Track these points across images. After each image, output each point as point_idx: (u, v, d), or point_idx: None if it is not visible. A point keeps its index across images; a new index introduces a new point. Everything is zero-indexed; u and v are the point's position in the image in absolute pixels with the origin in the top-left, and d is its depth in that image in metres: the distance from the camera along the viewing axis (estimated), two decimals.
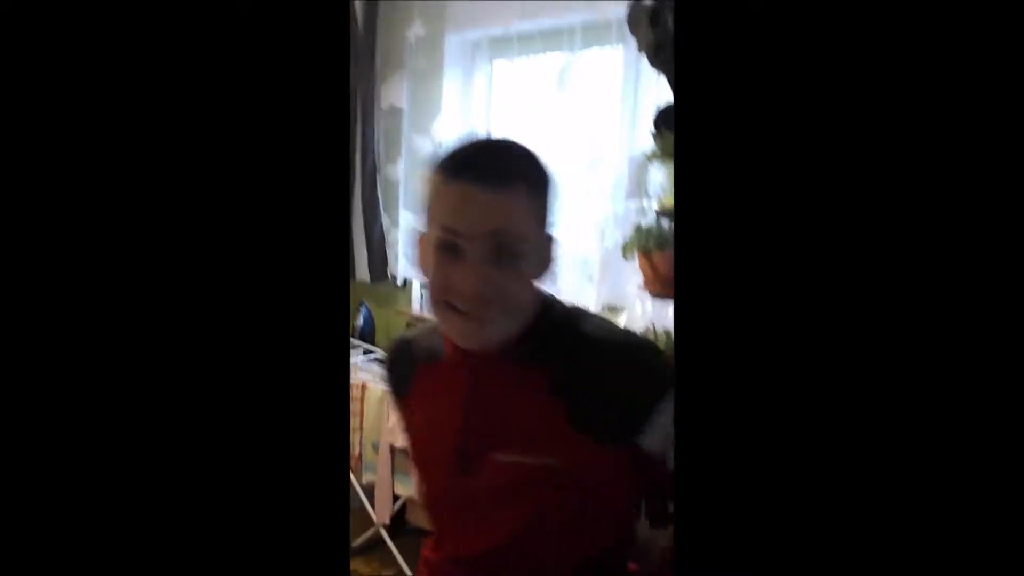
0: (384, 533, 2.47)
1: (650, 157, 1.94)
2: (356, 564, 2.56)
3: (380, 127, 3.12)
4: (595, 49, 2.63)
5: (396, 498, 2.44)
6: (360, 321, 3.26)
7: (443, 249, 0.80)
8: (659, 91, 2.20)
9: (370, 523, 2.51)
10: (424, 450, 0.98)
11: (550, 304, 0.90)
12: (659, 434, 0.82)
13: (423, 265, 0.86)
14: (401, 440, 2.35)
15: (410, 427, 1.01)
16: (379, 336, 3.27)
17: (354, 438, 2.49)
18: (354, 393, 2.47)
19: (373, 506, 2.48)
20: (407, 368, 0.98)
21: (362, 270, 3.25)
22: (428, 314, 3.00)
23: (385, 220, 3.17)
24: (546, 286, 0.89)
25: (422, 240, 0.86)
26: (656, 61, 1.85)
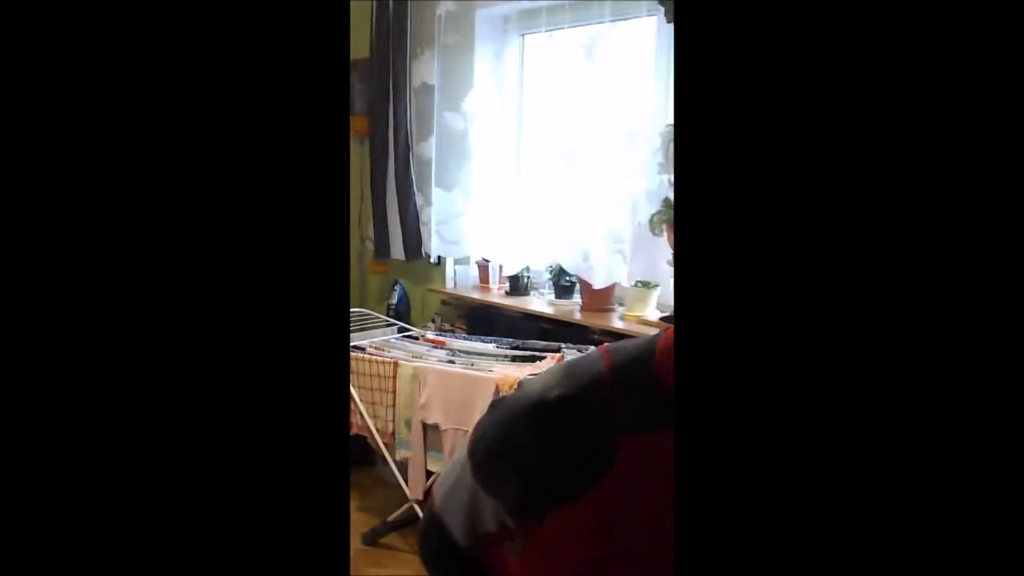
0: (418, 509, 2.50)
1: None
2: (392, 539, 2.60)
3: (412, 105, 3.12)
4: (626, 21, 2.58)
5: (429, 474, 2.46)
6: (395, 300, 3.28)
7: None
8: None
9: (405, 499, 2.54)
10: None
11: None
12: None
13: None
14: (433, 417, 2.36)
15: (592, 539, 0.63)
16: (414, 314, 3.29)
17: (387, 415, 2.51)
18: (387, 371, 2.49)
19: (408, 483, 2.51)
20: (592, 448, 0.62)
21: (397, 249, 3.27)
22: (461, 291, 3.03)
23: (419, 198, 3.18)
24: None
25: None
26: None
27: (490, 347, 2.59)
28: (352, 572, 2.38)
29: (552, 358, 2.41)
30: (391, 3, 3.08)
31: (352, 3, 3.22)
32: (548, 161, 2.91)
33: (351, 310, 3.10)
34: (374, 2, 3.13)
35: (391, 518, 2.62)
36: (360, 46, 3.25)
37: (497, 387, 2.20)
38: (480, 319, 2.96)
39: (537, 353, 2.47)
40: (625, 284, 2.62)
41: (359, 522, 2.69)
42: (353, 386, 2.56)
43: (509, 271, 2.95)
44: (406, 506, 2.57)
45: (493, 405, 0.70)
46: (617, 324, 2.51)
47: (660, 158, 2.39)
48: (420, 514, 2.49)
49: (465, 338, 2.75)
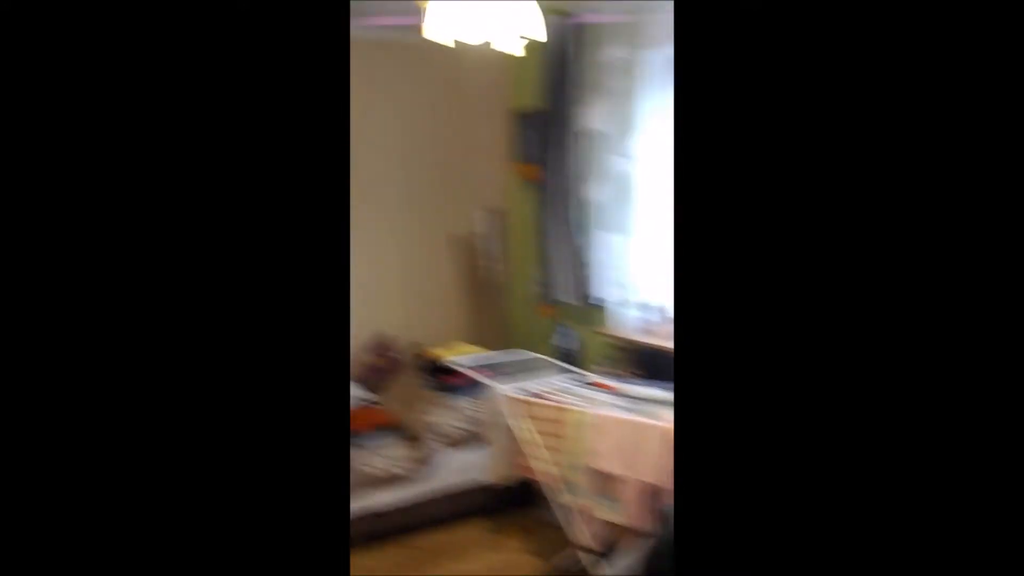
0: (584, 556, 2.47)
1: None
2: None
3: (579, 150, 3.16)
4: None
5: (598, 522, 2.42)
6: (563, 342, 3.30)
7: None
8: None
9: (570, 543, 2.52)
10: None
11: None
12: None
13: None
14: (602, 463, 2.33)
15: None
16: (582, 357, 3.28)
17: (556, 459, 2.51)
18: (555, 415, 2.50)
19: (574, 528, 2.49)
20: None
21: (564, 292, 3.30)
22: (628, 334, 2.99)
23: (585, 242, 3.20)
24: None
25: None
26: None
27: (660, 392, 2.53)
28: None
29: None
30: (559, 53, 3.15)
31: (523, 58, 3.32)
32: None
33: (521, 354, 3.15)
34: (543, 55, 3.23)
35: (558, 562, 2.59)
36: (530, 96, 3.36)
37: (668, 435, 2.14)
38: (649, 363, 2.90)
39: None
40: None
41: (524, 564, 2.69)
42: (522, 429, 2.59)
43: None
44: (573, 551, 2.54)
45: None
46: None
47: None
48: (587, 561, 2.46)
49: (634, 383, 2.71)
